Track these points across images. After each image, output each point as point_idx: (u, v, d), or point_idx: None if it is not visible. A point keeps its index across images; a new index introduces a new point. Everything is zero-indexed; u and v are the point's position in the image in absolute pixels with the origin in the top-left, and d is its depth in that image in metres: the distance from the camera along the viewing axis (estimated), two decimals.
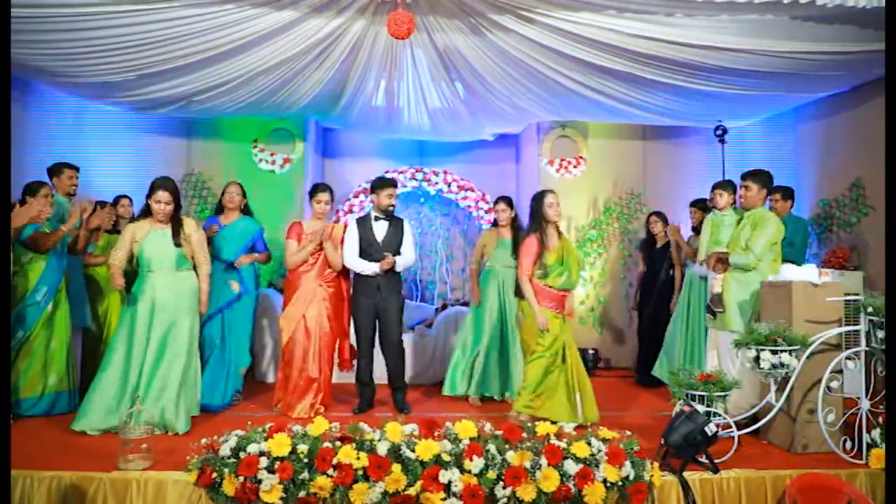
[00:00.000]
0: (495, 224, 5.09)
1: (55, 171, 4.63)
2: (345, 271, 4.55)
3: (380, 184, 4.56)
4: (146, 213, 3.94)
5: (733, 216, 4.41)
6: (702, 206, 5.37)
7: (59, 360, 4.19)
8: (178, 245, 3.88)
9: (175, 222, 3.91)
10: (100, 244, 4.95)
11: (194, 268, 4.02)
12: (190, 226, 3.98)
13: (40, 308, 4.13)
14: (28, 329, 4.07)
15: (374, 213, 4.58)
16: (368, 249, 4.48)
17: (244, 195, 4.85)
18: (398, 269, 4.51)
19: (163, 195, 3.84)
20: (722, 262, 4.11)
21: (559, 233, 4.22)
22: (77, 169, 4.72)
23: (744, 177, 4.22)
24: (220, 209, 4.85)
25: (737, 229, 4.21)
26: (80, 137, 5.94)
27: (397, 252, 4.53)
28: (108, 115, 6.12)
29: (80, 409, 3.76)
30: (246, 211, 4.86)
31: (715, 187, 4.60)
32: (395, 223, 4.59)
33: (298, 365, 4.29)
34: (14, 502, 2.86)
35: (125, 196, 5.37)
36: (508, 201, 5.04)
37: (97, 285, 4.98)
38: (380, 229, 4.54)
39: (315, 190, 4.50)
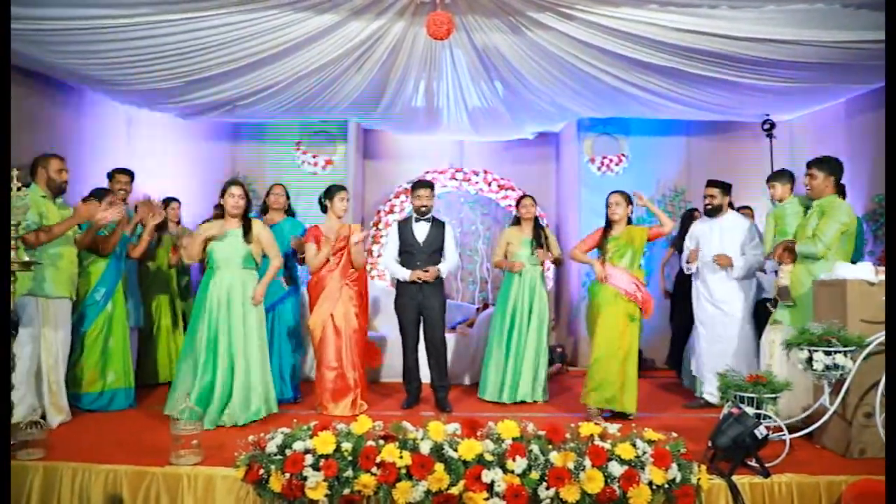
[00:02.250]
0: (517, 222, 5.07)
1: (110, 176, 4.84)
2: (365, 269, 4.64)
3: (414, 185, 4.71)
4: (219, 215, 4.22)
5: (797, 205, 4.21)
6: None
7: (116, 358, 4.35)
8: (248, 242, 4.09)
9: (245, 221, 4.14)
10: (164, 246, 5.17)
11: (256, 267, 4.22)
12: (258, 225, 4.19)
13: (99, 307, 4.30)
14: (87, 327, 4.25)
15: (414, 215, 4.67)
16: (410, 250, 4.58)
17: (288, 196, 4.96)
18: (443, 274, 4.59)
19: (236, 189, 4.11)
20: (789, 251, 3.92)
21: (630, 224, 4.47)
22: (129, 173, 4.88)
23: (809, 165, 4.01)
24: (264, 210, 4.96)
25: (804, 218, 4.02)
26: (132, 143, 6.15)
27: (438, 252, 4.59)
28: (157, 120, 6.32)
29: (168, 399, 4.04)
30: (289, 212, 4.96)
31: (768, 180, 4.44)
32: (437, 225, 4.67)
33: (332, 364, 4.35)
34: (73, 493, 2.98)
35: (174, 199, 5.55)
36: (533, 199, 5.13)
37: (149, 283, 5.16)
38: (420, 231, 4.61)
39: (336, 190, 4.52)
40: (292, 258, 4.85)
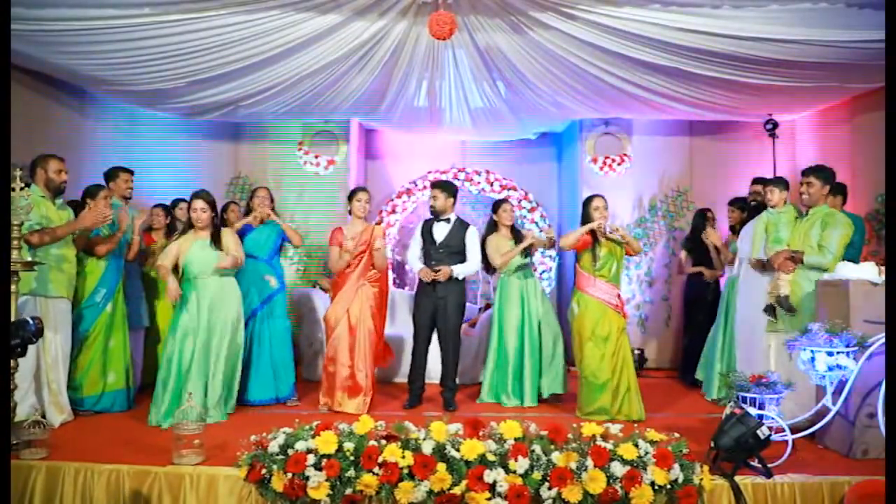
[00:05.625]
0: (496, 226, 5.00)
1: (111, 175, 4.80)
2: (387, 271, 4.72)
3: (430, 186, 4.82)
4: (189, 226, 4.25)
5: (791, 212, 4.24)
6: (741, 206, 5.21)
7: (117, 359, 4.35)
8: (218, 248, 4.15)
9: (214, 230, 4.21)
10: (157, 245, 5.15)
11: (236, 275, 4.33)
12: (226, 234, 4.28)
13: (99, 309, 4.29)
14: (87, 329, 4.24)
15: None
16: (428, 249, 4.65)
17: (272, 199, 5.01)
18: (456, 275, 4.58)
19: (198, 203, 4.19)
20: (793, 260, 3.94)
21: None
22: (132, 172, 4.89)
23: (805, 172, 4.06)
24: (248, 212, 4.98)
25: (802, 227, 4.04)
26: (134, 143, 6.17)
27: (458, 254, 4.62)
28: (160, 120, 6.33)
29: (151, 406, 4.03)
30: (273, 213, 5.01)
31: (766, 184, 4.45)
32: (459, 226, 4.69)
33: (345, 362, 4.39)
34: (76, 493, 2.99)
35: (183, 199, 5.53)
36: (511, 203, 5.21)
37: (152, 285, 5.16)
38: (439, 230, 4.66)
39: (355, 192, 4.66)
40: (276, 255, 4.93)
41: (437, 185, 4.76)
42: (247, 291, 4.72)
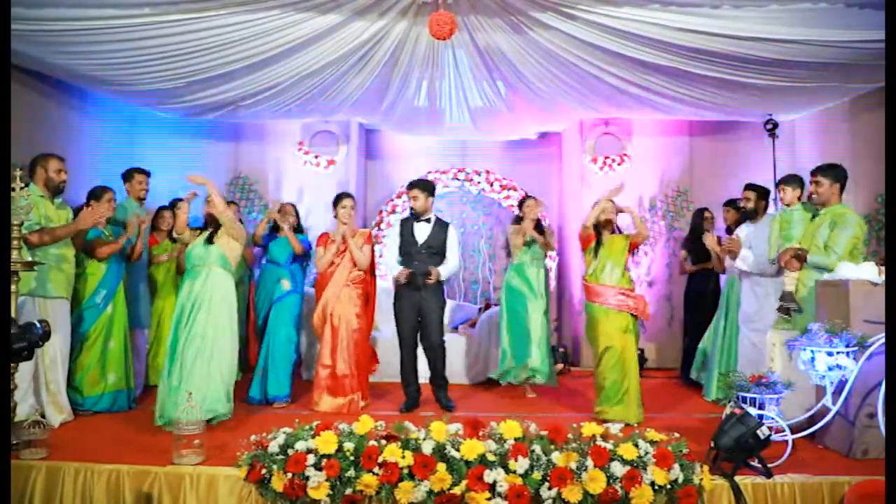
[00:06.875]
0: (519, 221, 5.15)
1: (127, 176, 4.84)
2: (372, 272, 4.70)
3: (407, 186, 4.74)
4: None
5: (802, 211, 4.22)
6: (736, 207, 5.20)
7: (117, 359, 4.35)
8: (209, 242, 4.07)
9: (216, 224, 4.12)
10: (161, 245, 5.17)
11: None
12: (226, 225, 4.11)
13: (99, 310, 4.29)
14: (87, 329, 4.24)
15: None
16: (409, 250, 4.57)
17: (297, 215, 5.11)
18: (443, 277, 4.56)
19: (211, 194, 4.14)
20: (798, 258, 3.91)
21: (616, 232, 4.38)
22: (147, 174, 4.90)
23: (814, 172, 4.02)
24: (276, 226, 5.03)
25: (811, 226, 4.02)
26: (135, 143, 6.17)
27: (439, 254, 4.59)
28: (160, 120, 6.33)
29: (157, 406, 3.88)
30: (298, 229, 5.09)
31: (779, 183, 4.42)
32: (440, 226, 4.64)
33: (325, 362, 4.43)
34: (76, 493, 2.99)
35: (182, 199, 5.53)
36: (535, 199, 5.23)
37: (157, 287, 5.17)
38: (420, 231, 4.60)
39: (339, 198, 4.65)
40: (296, 262, 4.97)
41: (416, 184, 4.65)
42: (264, 293, 4.89)
